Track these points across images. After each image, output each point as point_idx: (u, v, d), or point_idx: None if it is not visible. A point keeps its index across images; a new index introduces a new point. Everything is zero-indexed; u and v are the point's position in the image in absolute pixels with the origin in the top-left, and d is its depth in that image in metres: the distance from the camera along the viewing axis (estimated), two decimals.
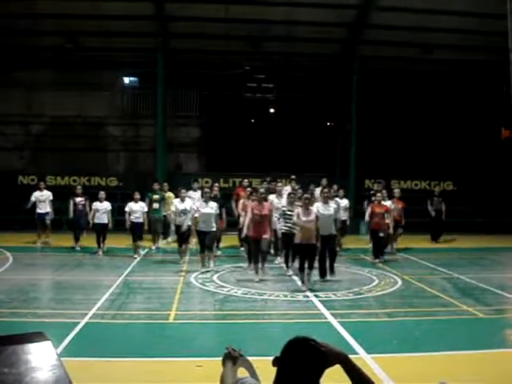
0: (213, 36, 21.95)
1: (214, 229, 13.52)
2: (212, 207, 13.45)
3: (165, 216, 16.69)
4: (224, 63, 23.18)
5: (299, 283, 11.70)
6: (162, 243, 17.28)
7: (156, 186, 17.30)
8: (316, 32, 21.79)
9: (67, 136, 23.96)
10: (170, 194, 17.11)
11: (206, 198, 13.63)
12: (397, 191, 17.58)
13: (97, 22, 21.00)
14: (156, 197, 16.92)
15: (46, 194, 17.71)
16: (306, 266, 11.46)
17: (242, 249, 15.75)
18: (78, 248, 16.68)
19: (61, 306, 10.21)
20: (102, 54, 22.85)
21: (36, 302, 10.42)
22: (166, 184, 17.87)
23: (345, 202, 16.57)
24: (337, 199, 15.42)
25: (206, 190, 14.22)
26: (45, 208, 17.46)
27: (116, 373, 6.68)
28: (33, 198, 17.49)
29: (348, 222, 16.98)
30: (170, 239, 16.97)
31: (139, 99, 24.62)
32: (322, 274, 12.42)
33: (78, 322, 8.74)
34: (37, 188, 18.00)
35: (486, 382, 6.40)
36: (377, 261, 15.05)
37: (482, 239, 18.84)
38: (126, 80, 25.30)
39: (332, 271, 12.73)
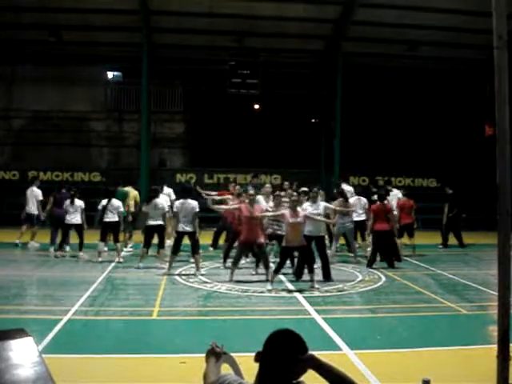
0: (197, 31, 21.91)
1: (192, 229, 12.63)
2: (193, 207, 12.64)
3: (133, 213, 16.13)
4: (208, 58, 23.15)
5: (287, 284, 11.64)
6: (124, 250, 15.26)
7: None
8: (301, 28, 21.86)
9: (49, 131, 23.83)
10: (129, 189, 16.06)
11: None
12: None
13: (80, 15, 20.86)
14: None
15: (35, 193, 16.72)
16: (306, 270, 11.53)
17: (211, 249, 15.45)
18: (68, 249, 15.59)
19: (43, 303, 10.12)
20: (85, 48, 22.74)
21: (18, 298, 10.29)
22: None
23: (364, 201, 15.19)
24: (351, 199, 14.93)
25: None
26: (31, 209, 16.52)
27: (99, 370, 6.63)
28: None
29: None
30: (130, 247, 15.83)
31: (123, 94, 24.51)
32: (298, 275, 12.12)
33: (61, 319, 8.65)
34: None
35: (469, 378, 6.43)
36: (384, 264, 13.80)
37: (465, 236, 18.91)
38: (110, 75, 25.18)
39: (328, 277, 12.17)
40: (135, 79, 23.12)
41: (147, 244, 13.57)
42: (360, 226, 15.18)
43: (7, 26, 21.27)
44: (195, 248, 12.75)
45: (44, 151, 23.49)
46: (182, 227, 12.53)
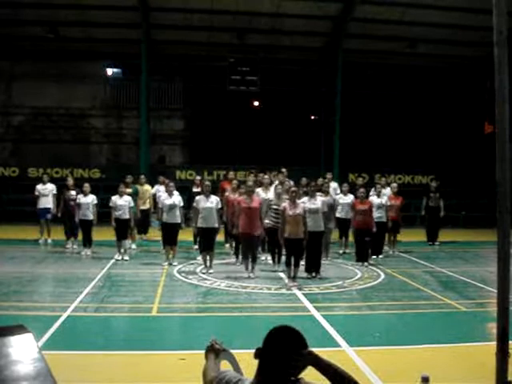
0: (197, 27, 21.86)
1: (217, 225, 12.69)
2: (212, 201, 12.55)
3: (142, 211, 16.02)
4: (208, 55, 23.10)
5: (286, 280, 11.66)
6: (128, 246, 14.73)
7: (128, 180, 15.78)
8: (301, 25, 21.82)
9: (49, 127, 23.81)
10: (147, 188, 16.19)
11: (207, 192, 12.60)
12: (394, 185, 16.03)
13: (79, 11, 20.81)
14: (128, 191, 14.88)
15: (49, 188, 16.39)
16: (293, 262, 11.36)
17: (227, 245, 15.33)
18: (69, 247, 15.40)
19: (43, 299, 10.14)
20: (85, 44, 22.69)
21: (17, 295, 10.29)
22: (142, 176, 16.60)
23: (350, 198, 14.73)
24: (337, 196, 14.97)
25: (207, 183, 13.00)
26: (47, 203, 16.20)
27: (98, 366, 6.63)
28: (36, 193, 16.29)
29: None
30: (133, 245, 15.61)
31: (122, 91, 24.48)
32: (309, 270, 12.18)
33: (60, 315, 8.67)
34: (40, 181, 16.79)
35: (468, 374, 6.44)
36: (359, 264, 13.65)
37: (464, 233, 18.95)
38: (109, 71, 25.12)
39: (317, 271, 12.20)
40: (135, 76, 23.07)
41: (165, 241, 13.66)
42: (346, 223, 14.97)
43: (6, 22, 21.17)
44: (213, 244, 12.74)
45: (44, 148, 23.45)
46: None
